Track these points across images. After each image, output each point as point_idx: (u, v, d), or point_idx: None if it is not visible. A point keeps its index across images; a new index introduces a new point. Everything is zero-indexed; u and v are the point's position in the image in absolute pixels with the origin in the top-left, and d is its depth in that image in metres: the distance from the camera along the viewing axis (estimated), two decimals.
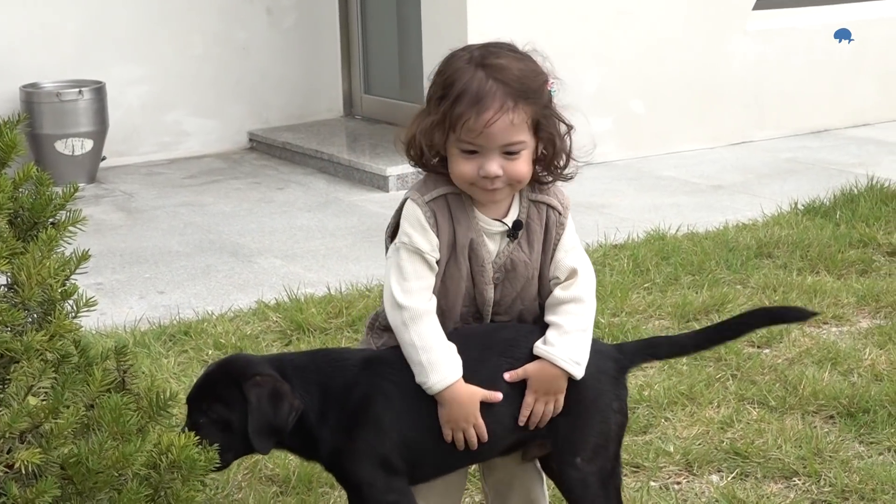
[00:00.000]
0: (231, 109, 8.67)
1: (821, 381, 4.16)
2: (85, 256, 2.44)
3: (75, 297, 2.38)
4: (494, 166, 2.70)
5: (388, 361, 2.83)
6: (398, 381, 2.80)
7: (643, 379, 4.25)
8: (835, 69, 8.81)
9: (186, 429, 2.71)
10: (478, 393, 2.76)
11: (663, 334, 4.42)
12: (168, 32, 8.36)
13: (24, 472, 2.17)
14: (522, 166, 2.73)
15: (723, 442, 3.78)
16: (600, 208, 6.61)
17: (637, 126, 8.07)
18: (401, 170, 7.29)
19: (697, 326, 4.71)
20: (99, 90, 7.75)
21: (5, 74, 7.76)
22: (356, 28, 8.99)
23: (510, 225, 2.81)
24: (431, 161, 2.81)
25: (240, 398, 2.72)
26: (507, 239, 2.82)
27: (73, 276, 2.48)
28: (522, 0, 7.41)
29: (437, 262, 2.79)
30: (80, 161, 7.71)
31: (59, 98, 7.62)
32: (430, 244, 2.78)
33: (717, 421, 3.92)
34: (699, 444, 3.77)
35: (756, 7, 8.48)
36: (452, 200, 2.79)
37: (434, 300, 2.80)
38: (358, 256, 6.02)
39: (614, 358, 2.91)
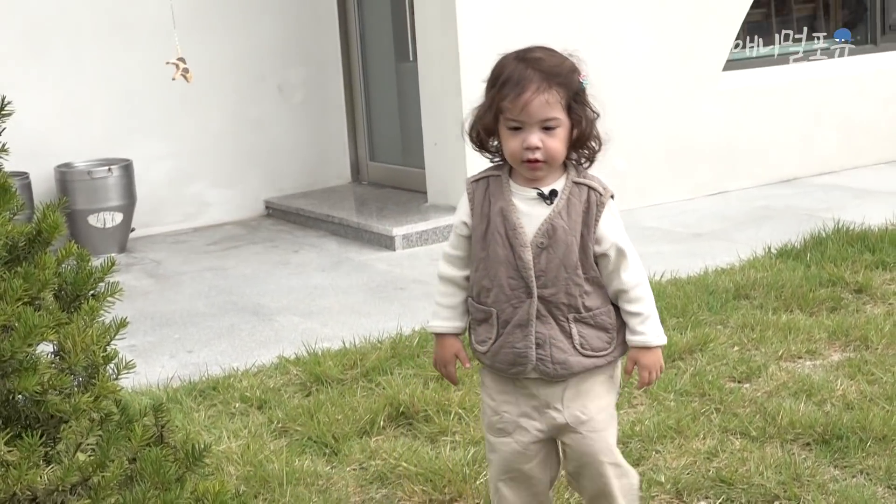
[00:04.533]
0: (248, 180, 8.76)
1: (797, 412, 4.20)
2: (123, 324, 2.50)
3: (116, 361, 2.44)
4: (534, 138, 2.91)
5: None
6: None
7: (634, 416, 4.29)
8: (800, 122, 8.90)
9: None
10: (452, 349, 3.15)
11: None
12: (188, 111, 8.47)
13: None
14: (557, 143, 2.94)
15: (709, 471, 3.82)
16: None
17: (621, 182, 8.13)
18: (406, 230, 7.37)
19: (683, 365, 4.77)
20: (126, 167, 7.84)
21: (42, 155, 7.86)
22: (360, 101, 9.10)
23: (545, 192, 2.99)
24: (489, 143, 3.03)
25: None
26: (546, 205, 2.98)
27: (112, 342, 2.54)
28: None
29: (473, 235, 3.04)
30: (111, 233, 7.78)
31: (91, 176, 7.71)
32: (459, 218, 3.08)
33: (703, 451, 3.96)
34: (688, 474, 3.81)
35: (725, 68, 8.58)
36: (493, 181, 3.04)
37: (458, 271, 3.10)
38: (369, 311, 6.07)
39: None
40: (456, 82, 7.44)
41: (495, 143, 3.04)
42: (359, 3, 9.01)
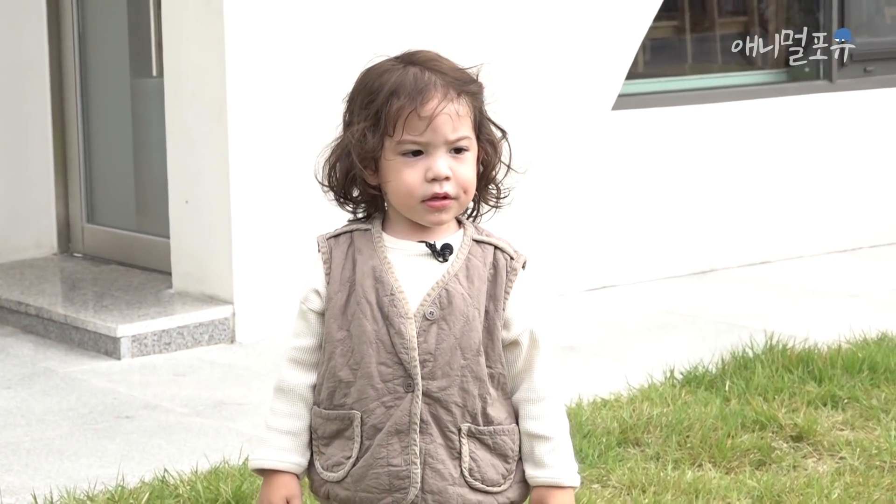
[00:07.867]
0: None
1: None
2: None
3: None
4: (443, 165, 3.04)
5: None
6: None
7: None
8: (719, 188, 9.08)
9: None
10: (284, 491, 3.14)
11: None
12: None
13: None
14: (470, 169, 3.09)
15: None
16: None
17: None
18: (138, 328, 7.29)
19: None
20: None
21: None
22: (75, 131, 8.98)
23: (437, 245, 3.09)
24: (358, 188, 3.13)
25: None
26: (438, 263, 3.08)
27: None
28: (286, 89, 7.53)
29: (328, 310, 3.09)
30: None
31: None
32: (310, 287, 3.14)
33: None
34: None
35: (616, 106, 8.75)
36: (359, 236, 3.16)
37: (306, 375, 3.14)
38: (76, 451, 5.97)
39: None
40: (221, 109, 7.41)
41: (361, 189, 3.12)
42: None
